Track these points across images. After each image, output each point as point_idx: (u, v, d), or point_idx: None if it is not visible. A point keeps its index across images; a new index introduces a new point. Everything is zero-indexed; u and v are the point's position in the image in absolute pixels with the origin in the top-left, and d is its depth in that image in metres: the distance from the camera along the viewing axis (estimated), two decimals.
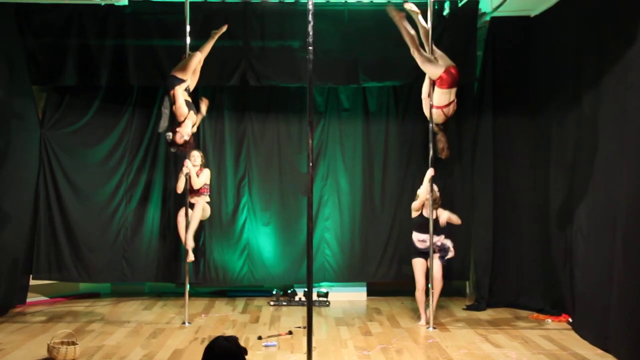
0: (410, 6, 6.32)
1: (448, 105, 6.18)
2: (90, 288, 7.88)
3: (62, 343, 5.39)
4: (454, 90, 6.17)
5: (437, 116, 6.26)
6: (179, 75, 6.17)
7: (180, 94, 6.16)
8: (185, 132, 6.14)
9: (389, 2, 6.97)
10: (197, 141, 7.32)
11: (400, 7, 6.34)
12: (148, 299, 7.65)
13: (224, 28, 6.51)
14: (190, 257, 6.66)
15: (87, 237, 7.48)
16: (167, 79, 6.31)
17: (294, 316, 6.83)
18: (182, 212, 6.72)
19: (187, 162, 6.62)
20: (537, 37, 6.99)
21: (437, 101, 6.17)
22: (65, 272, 7.44)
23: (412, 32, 6.26)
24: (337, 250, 7.75)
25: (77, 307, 7.23)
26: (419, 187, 6.52)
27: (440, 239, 6.36)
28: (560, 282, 6.51)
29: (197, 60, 6.34)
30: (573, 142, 6.19)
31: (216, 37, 6.49)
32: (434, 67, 6.12)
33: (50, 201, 7.42)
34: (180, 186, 6.73)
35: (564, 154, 6.40)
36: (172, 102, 6.17)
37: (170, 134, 6.14)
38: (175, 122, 6.18)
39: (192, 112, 6.26)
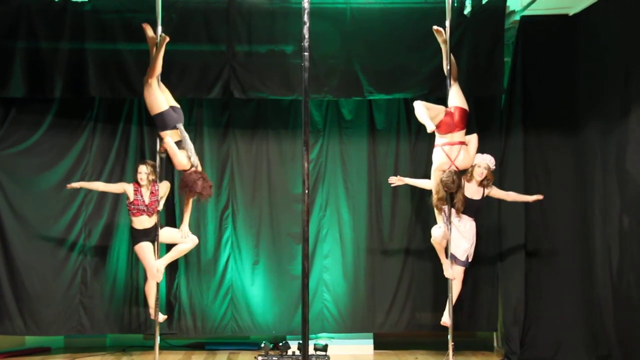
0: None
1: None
2: (39, 342, 7.25)
3: None
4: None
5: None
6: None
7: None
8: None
9: None
10: (168, 164, 6.88)
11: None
12: (110, 353, 7.09)
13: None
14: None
15: (36, 281, 6.88)
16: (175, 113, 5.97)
17: None
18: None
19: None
20: (578, 39, 6.66)
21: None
22: (8, 323, 6.81)
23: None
24: (338, 294, 7.26)
25: None
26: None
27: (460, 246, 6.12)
28: (609, 333, 6.08)
29: None
30: (627, 166, 5.81)
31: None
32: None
33: None
34: None
35: (615, 180, 6.02)
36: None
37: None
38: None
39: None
